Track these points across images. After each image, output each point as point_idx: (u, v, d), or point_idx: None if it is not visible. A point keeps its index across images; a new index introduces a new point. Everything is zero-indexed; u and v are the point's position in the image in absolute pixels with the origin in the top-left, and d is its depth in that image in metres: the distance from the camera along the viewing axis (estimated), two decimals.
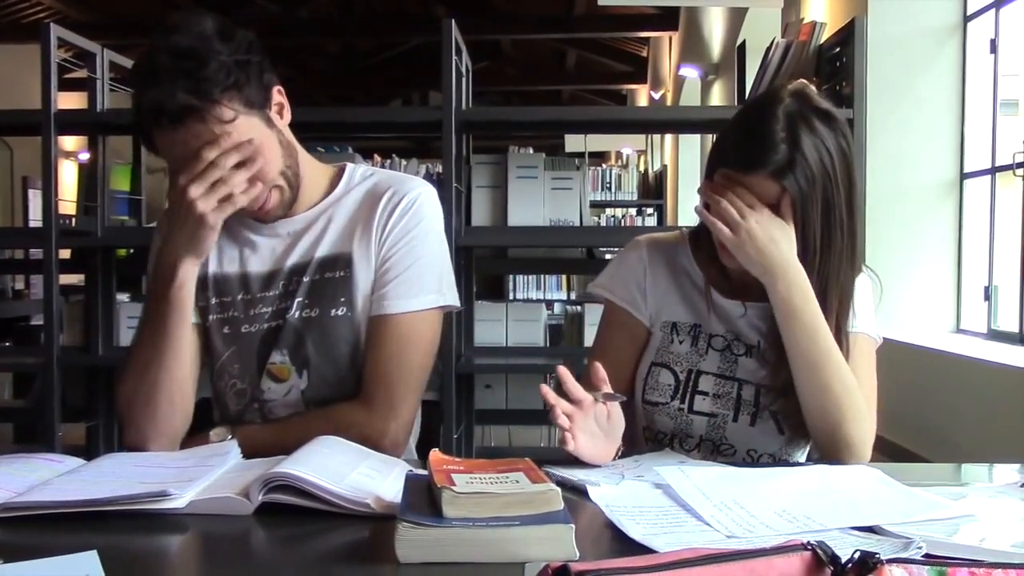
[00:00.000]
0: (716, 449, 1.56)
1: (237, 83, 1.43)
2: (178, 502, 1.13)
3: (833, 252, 1.47)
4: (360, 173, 1.64)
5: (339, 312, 1.56)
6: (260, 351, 1.58)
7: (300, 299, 1.56)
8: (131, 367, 1.53)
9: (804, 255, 1.45)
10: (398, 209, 1.57)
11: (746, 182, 1.43)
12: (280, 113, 1.53)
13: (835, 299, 1.48)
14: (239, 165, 1.45)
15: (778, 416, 1.54)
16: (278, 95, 1.53)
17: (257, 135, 1.46)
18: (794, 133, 1.41)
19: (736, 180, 1.45)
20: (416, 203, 1.58)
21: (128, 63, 3.61)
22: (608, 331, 1.65)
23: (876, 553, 0.78)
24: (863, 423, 1.47)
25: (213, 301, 1.59)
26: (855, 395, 1.46)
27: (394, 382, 1.53)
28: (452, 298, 1.60)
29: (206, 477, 1.22)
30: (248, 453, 1.38)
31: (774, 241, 1.42)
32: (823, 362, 1.45)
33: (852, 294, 1.53)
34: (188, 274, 1.49)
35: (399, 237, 1.56)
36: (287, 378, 1.58)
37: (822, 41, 3.15)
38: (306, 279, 1.57)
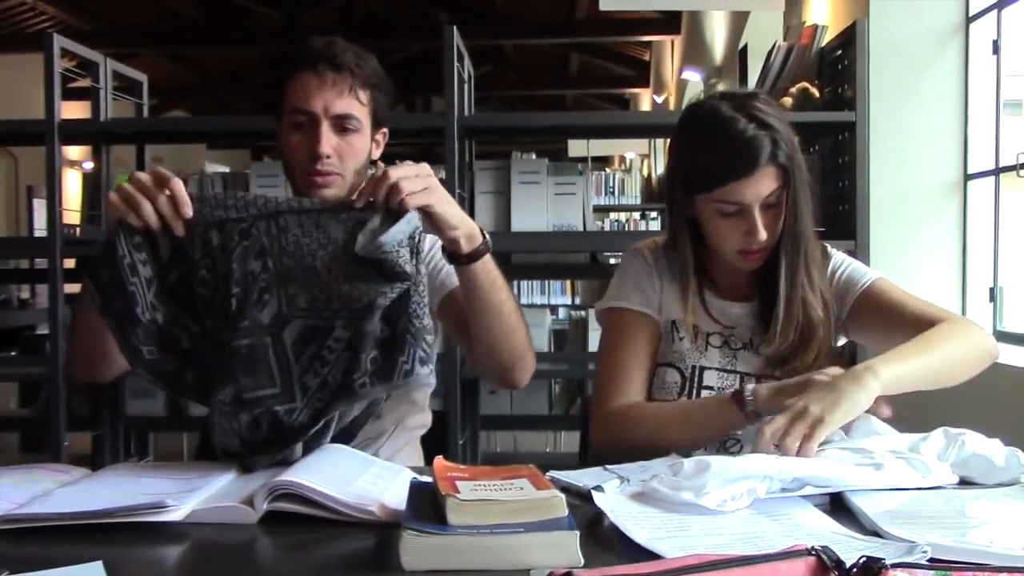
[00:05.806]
0: (723, 445, 1.57)
1: (380, 87, 1.67)
2: (175, 514, 1.13)
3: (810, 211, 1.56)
4: None
5: None
6: None
7: None
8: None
9: (805, 222, 1.54)
10: None
11: (750, 184, 1.48)
12: (373, 148, 1.72)
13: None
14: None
15: None
16: (381, 136, 1.74)
17: (363, 137, 1.67)
18: (756, 120, 1.49)
19: (737, 192, 1.49)
20: None
21: (131, 72, 3.61)
22: (628, 340, 1.64)
23: (881, 558, 0.78)
24: None
25: None
26: None
27: None
28: None
29: (206, 488, 1.22)
30: None
31: None
32: None
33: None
34: None
35: None
36: None
37: (824, 44, 3.15)
38: None
